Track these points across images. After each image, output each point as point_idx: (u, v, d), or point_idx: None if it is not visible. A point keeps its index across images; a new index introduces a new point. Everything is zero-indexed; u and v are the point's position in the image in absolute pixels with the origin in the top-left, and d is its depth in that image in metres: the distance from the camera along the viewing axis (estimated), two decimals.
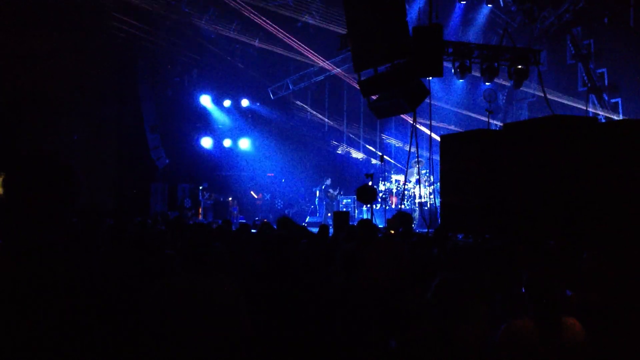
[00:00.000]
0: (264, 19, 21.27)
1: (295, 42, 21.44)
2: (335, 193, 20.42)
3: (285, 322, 4.05)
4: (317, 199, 20.79)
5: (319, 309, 4.29)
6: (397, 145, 23.99)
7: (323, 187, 20.37)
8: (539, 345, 3.55)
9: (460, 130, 18.52)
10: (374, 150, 24.34)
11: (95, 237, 7.40)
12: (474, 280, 5.07)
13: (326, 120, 25.28)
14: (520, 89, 17.60)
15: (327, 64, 22.22)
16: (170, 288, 3.52)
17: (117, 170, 20.27)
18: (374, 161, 23.79)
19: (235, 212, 21.69)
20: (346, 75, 22.38)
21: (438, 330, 3.57)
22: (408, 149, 15.11)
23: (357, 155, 24.75)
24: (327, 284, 4.88)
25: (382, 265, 5.84)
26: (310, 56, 21.80)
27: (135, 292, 4.33)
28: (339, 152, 24.92)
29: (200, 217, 20.76)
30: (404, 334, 3.79)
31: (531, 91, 21.07)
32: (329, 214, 19.52)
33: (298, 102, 24.87)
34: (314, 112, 25.19)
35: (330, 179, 20.64)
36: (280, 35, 22.09)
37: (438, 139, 13.58)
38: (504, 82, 20.02)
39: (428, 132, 15.60)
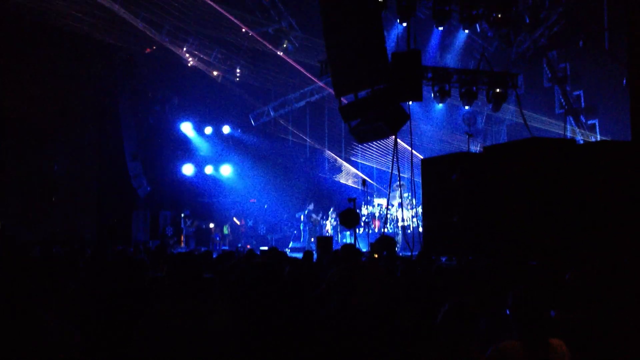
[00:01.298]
0: (245, 46, 21.46)
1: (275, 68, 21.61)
2: (319, 218, 20.41)
3: (273, 348, 4.04)
4: (301, 224, 20.74)
5: (307, 334, 4.28)
6: (379, 168, 24.10)
7: (306, 212, 20.35)
8: None
9: (441, 153, 18.67)
10: (356, 173, 24.41)
11: (76, 265, 7.35)
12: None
13: (307, 144, 25.35)
14: (499, 112, 17.81)
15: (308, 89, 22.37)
16: (161, 315, 3.49)
17: (98, 198, 20.11)
18: (356, 185, 23.84)
19: (218, 239, 21.58)
20: (327, 99, 22.55)
21: (449, 356, 3.56)
22: (390, 173, 15.19)
23: (340, 179, 24.80)
24: (313, 309, 4.88)
25: (368, 290, 5.84)
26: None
27: (118, 319, 4.31)
28: (322, 176, 24.95)
29: (183, 245, 20.63)
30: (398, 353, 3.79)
31: (510, 114, 21.35)
32: (312, 239, 19.48)
33: (280, 127, 24.91)
34: (296, 137, 25.25)
35: (313, 204, 20.64)
36: (261, 63, 22.27)
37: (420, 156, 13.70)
38: (483, 106, 20.28)
39: (410, 154, 15.70)
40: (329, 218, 20.58)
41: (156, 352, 3.38)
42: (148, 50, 20.86)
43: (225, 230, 22.13)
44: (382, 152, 23.51)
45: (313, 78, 21.80)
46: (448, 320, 3.61)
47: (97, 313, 4.39)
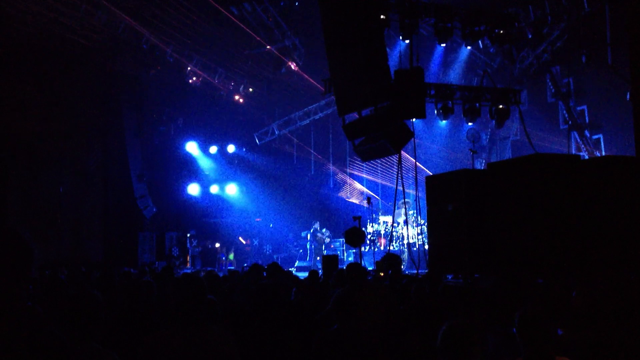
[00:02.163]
0: (249, 65, 21.60)
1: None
2: (324, 236, 20.37)
3: None
4: (307, 243, 20.70)
5: (314, 355, 4.26)
6: (384, 183, 24.11)
7: (312, 231, 20.33)
8: None
9: (445, 170, 18.67)
10: (361, 189, 24.42)
11: (83, 288, 7.36)
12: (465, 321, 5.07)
13: (312, 162, 25.40)
14: (503, 128, 17.82)
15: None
16: (165, 341, 3.48)
17: (104, 220, 20.16)
18: (361, 202, 23.82)
19: (224, 259, 21.56)
20: (331, 117, 22.62)
21: None
22: (394, 190, 15.19)
23: (345, 196, 24.80)
24: (320, 329, 4.86)
25: (374, 309, 5.82)
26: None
27: (125, 344, 4.30)
28: (327, 194, 24.96)
29: (189, 265, 20.61)
30: None
31: (514, 130, 21.36)
32: (318, 258, 19.44)
33: (284, 145, 24.97)
34: (300, 155, 25.30)
35: (318, 222, 20.62)
36: (265, 82, 22.40)
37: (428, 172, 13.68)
38: (487, 122, 20.30)
39: (414, 172, 15.71)
40: (321, 234, 20.50)
41: None
42: (153, 71, 21.01)
43: (231, 257, 22.14)
44: (387, 168, 23.53)
45: (317, 97, 21.87)
46: (447, 340, 3.60)
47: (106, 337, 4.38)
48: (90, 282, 8.53)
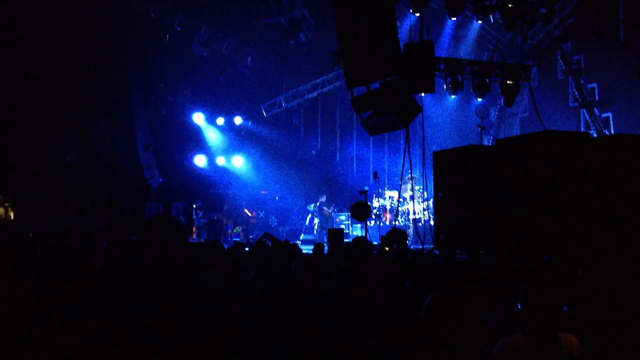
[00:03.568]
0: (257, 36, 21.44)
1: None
2: (330, 210, 20.38)
3: (284, 342, 4.03)
4: (314, 216, 20.71)
5: (318, 328, 4.27)
6: (390, 160, 24.06)
7: (318, 204, 20.33)
8: None
9: (453, 146, 18.61)
10: (367, 164, 24.39)
11: (90, 256, 7.38)
12: (470, 297, 5.07)
13: (319, 136, 25.34)
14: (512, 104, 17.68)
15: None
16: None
17: (111, 190, 20.20)
18: (367, 177, 23.79)
19: (230, 231, 21.62)
20: (339, 91, 22.49)
21: (437, 347, 3.56)
22: (401, 165, 15.15)
23: (350, 170, 24.76)
24: (324, 302, 4.87)
25: (379, 283, 5.83)
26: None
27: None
28: (333, 167, 24.92)
29: (194, 235, 20.70)
30: (407, 351, 3.78)
31: (523, 107, 21.21)
32: (324, 231, 19.47)
33: (291, 118, 24.88)
34: (307, 129, 25.24)
35: (325, 196, 20.61)
36: (272, 53, 22.24)
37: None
38: (496, 98, 20.17)
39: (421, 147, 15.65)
40: (327, 208, 20.48)
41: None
42: (161, 40, 20.88)
43: (238, 229, 22.22)
44: (394, 142, 23.47)
45: (325, 69, 21.72)
46: (431, 311, 3.63)
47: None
48: (95, 252, 8.55)
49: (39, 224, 16.89)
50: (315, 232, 20.48)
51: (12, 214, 16.64)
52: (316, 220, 20.52)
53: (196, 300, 3.25)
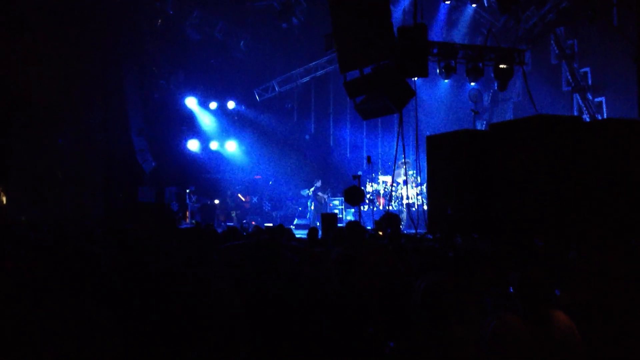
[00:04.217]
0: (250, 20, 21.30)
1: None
2: (325, 195, 20.39)
3: (280, 327, 4.05)
4: (308, 201, 20.71)
5: (314, 313, 4.29)
6: (383, 143, 24.08)
7: (313, 189, 20.33)
8: (529, 339, 3.59)
9: (447, 130, 18.63)
10: (361, 149, 24.40)
11: (86, 241, 7.39)
12: (464, 281, 5.11)
13: (312, 121, 25.29)
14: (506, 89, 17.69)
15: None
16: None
17: (104, 174, 20.12)
18: (360, 161, 23.79)
19: (223, 215, 21.64)
20: (332, 75, 22.42)
21: (432, 332, 3.59)
22: (395, 150, 15.15)
23: (344, 155, 24.76)
24: (319, 287, 4.89)
25: (374, 267, 5.85)
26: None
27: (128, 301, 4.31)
28: (327, 152, 24.91)
29: (188, 220, 20.70)
30: (402, 335, 3.81)
31: (516, 92, 21.22)
32: (318, 216, 19.49)
33: (284, 102, 24.79)
34: (301, 113, 25.18)
35: (320, 181, 20.61)
36: (266, 37, 22.10)
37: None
38: (489, 83, 20.17)
39: (414, 132, 15.66)
40: (322, 193, 20.51)
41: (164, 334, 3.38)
42: (154, 23, 20.75)
43: (232, 214, 22.27)
44: (388, 127, 23.46)
45: (319, 53, 21.64)
46: (426, 297, 3.66)
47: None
48: (92, 239, 8.52)
49: (33, 209, 16.83)
50: (308, 216, 20.50)
51: (4, 199, 16.60)
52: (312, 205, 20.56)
53: (195, 287, 3.28)
